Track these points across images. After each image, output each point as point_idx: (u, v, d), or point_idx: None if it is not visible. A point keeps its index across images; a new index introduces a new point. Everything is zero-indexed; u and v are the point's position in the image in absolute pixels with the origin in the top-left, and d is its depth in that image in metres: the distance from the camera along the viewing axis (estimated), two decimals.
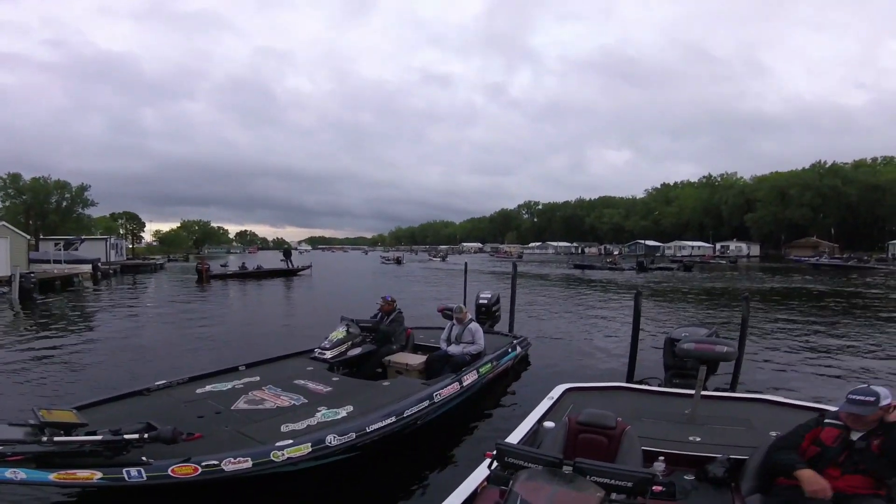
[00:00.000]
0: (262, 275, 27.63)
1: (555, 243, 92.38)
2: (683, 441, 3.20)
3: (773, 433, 2.98)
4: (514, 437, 3.13)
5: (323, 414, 3.88)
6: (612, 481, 1.78)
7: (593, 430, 2.75)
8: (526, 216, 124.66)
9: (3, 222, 24.10)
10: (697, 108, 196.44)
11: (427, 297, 16.75)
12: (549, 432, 3.00)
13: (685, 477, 2.82)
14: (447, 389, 4.69)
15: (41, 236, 38.95)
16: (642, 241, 75.60)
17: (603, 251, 75.42)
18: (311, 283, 25.23)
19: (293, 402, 4.19)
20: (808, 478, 2.23)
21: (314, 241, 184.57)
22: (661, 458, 2.90)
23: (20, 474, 2.63)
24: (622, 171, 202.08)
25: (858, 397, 2.34)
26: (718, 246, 66.29)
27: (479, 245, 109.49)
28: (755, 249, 63.75)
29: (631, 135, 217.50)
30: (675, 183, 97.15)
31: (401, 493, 3.60)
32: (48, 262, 26.36)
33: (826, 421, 2.47)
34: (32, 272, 18.64)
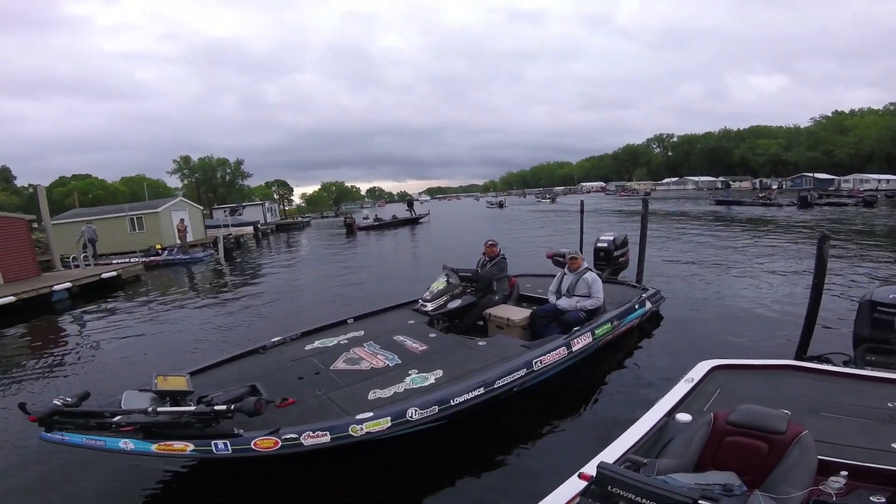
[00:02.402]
0: (396, 224, 31.50)
1: (695, 178, 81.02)
2: (882, 449, 2.26)
3: None
4: (639, 430, 2.38)
5: (412, 379, 3.69)
6: None
7: (752, 432, 2.03)
8: (657, 150, 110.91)
9: (182, 197, 29.27)
10: (868, 28, 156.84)
11: (534, 242, 16.45)
12: (684, 431, 2.27)
13: (872, 498, 2.01)
14: (551, 356, 4.04)
15: (215, 206, 46.84)
16: (810, 174, 61.95)
17: (758, 185, 63.77)
18: (430, 229, 28.69)
19: (387, 362, 4.08)
20: None
21: (432, 192, 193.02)
22: (844, 472, 2.06)
23: (130, 445, 2.78)
24: (776, 98, 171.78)
25: None
26: None
27: (602, 184, 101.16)
28: None
29: (782, 59, 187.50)
30: (852, 111, 77.92)
31: (479, 477, 3.21)
32: (219, 227, 31.70)
33: None
34: (230, 233, 22.75)
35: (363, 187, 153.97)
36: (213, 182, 63.91)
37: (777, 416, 2.10)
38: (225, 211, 39.10)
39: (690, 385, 3.00)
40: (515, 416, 3.91)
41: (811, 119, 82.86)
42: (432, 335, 4.73)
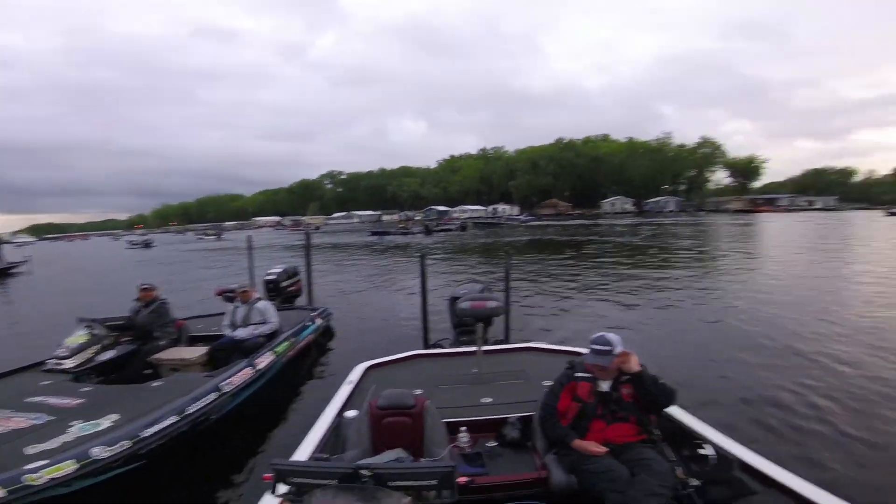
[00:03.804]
0: None
1: (360, 212, 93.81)
2: (478, 405, 3.14)
3: (545, 382, 3.01)
4: (317, 433, 2.75)
5: (80, 428, 3.17)
6: (417, 482, 1.51)
7: (395, 412, 2.54)
8: (329, 186, 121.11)
9: None
10: (480, 82, 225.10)
11: (200, 283, 14.60)
12: (352, 423, 2.72)
13: (488, 444, 2.78)
14: (238, 376, 4.26)
15: None
16: (435, 207, 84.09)
17: (403, 217, 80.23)
18: (32, 281, 20.03)
19: (33, 421, 3.30)
20: (581, 448, 2.27)
21: (39, 231, 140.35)
22: (464, 427, 2.81)
23: None
24: (419, 141, 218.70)
25: (599, 347, 2.30)
26: (490, 208, 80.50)
27: (278, 218, 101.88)
28: (516, 210, 78.90)
29: (426, 105, 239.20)
30: (460, 154, 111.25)
31: None
32: None
33: (576, 375, 2.43)
34: None
35: None
36: None
37: (406, 394, 2.58)
38: None
39: (352, 385, 3.49)
40: (224, 443, 3.93)
41: (437, 161, 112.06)
42: (86, 388, 4.06)
